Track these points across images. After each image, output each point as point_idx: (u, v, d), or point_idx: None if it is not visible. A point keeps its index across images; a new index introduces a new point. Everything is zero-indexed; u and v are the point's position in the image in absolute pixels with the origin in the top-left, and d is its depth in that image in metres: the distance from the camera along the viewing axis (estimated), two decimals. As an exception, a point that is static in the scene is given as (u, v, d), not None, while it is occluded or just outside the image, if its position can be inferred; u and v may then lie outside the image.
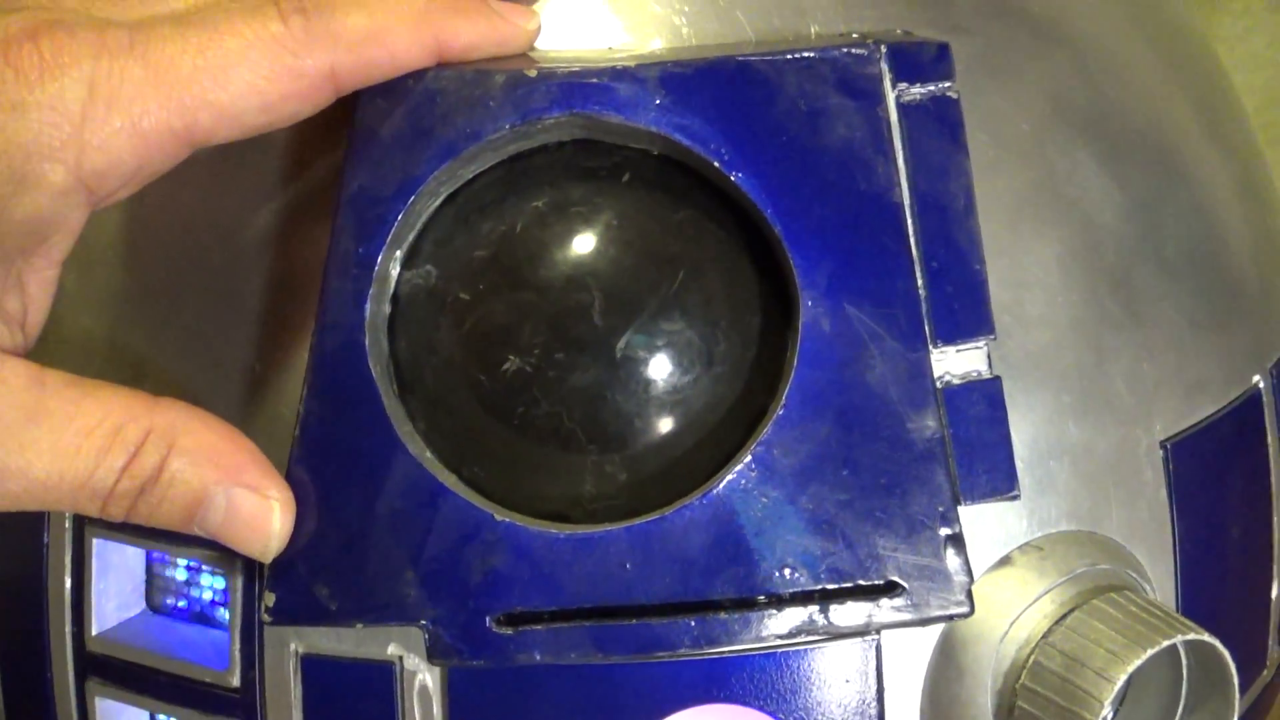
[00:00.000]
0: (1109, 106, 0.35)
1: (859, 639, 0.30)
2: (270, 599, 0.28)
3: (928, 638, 0.31)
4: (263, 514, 0.26)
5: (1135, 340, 0.33)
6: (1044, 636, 0.30)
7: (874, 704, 0.31)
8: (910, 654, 0.31)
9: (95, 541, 0.32)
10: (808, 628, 0.27)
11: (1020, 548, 0.32)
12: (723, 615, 0.27)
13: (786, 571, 0.27)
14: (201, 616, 0.33)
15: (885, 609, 0.28)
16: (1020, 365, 0.32)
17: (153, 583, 0.34)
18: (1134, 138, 0.35)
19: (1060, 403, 0.32)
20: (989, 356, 0.30)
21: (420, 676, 0.30)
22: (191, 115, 0.25)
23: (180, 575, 0.33)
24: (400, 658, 0.30)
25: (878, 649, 0.30)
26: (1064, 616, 0.31)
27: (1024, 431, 0.31)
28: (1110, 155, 0.34)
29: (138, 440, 0.25)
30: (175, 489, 0.25)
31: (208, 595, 0.33)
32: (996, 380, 0.30)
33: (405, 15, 0.26)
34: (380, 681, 0.30)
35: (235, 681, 0.31)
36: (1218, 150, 0.39)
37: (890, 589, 0.28)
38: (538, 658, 0.27)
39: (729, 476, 0.27)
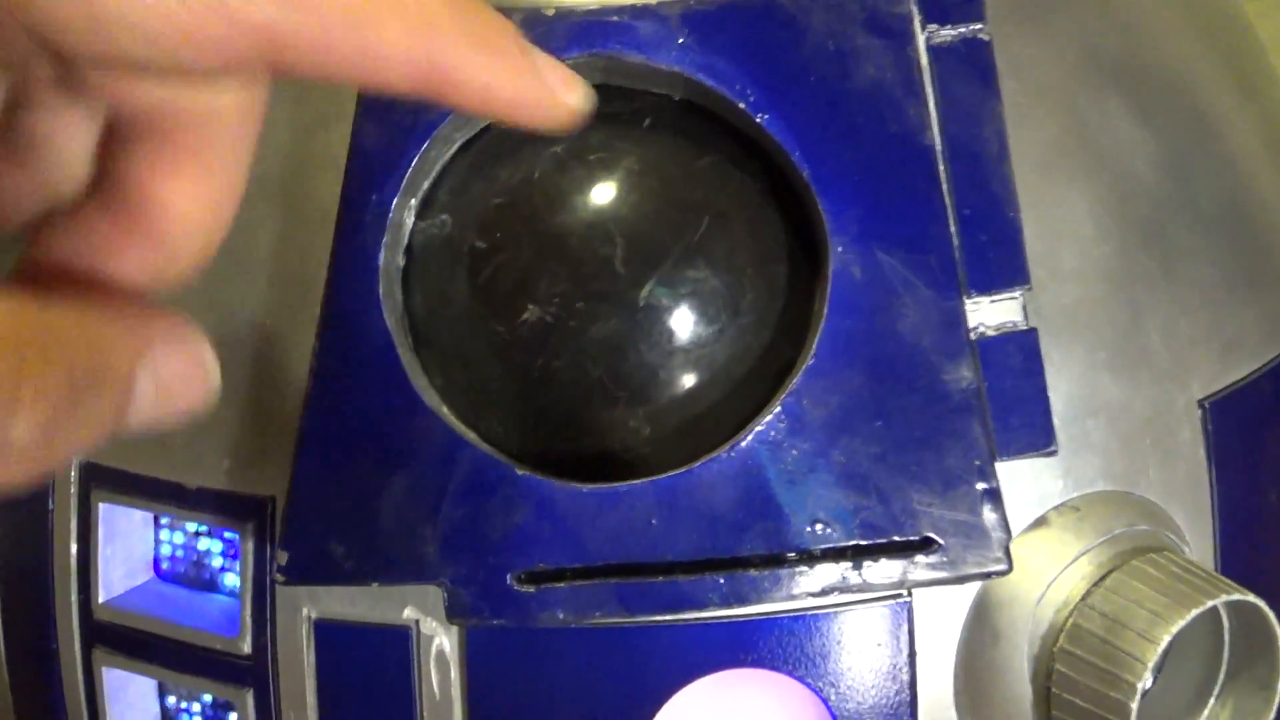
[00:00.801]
0: (1140, 57, 0.34)
1: (890, 601, 0.29)
2: (283, 557, 0.27)
3: (961, 600, 0.30)
4: (196, 363, 0.20)
5: (1170, 296, 0.32)
6: (1082, 598, 0.29)
7: (906, 668, 0.30)
8: (943, 617, 0.30)
9: (102, 506, 0.31)
10: (840, 585, 0.27)
11: (1056, 508, 0.30)
12: (752, 572, 0.26)
13: (818, 527, 0.27)
14: (211, 584, 0.32)
15: (920, 566, 0.27)
16: (1053, 319, 0.30)
17: (161, 549, 0.33)
18: (1166, 90, 0.34)
19: (1095, 359, 0.31)
20: (1024, 307, 0.29)
21: (438, 640, 0.29)
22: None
23: (188, 540, 0.32)
24: (417, 621, 0.29)
25: (909, 611, 0.29)
26: (1103, 578, 0.30)
27: (1059, 388, 0.30)
28: (1142, 106, 0.33)
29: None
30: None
31: (217, 561, 0.32)
32: (1033, 332, 0.29)
33: (406, 14, 0.19)
34: (396, 646, 0.29)
35: (246, 648, 0.30)
36: (1250, 108, 0.38)
37: (925, 545, 0.27)
38: (561, 617, 0.26)
39: (757, 429, 0.26)
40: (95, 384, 0.18)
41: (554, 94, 0.21)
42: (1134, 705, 0.28)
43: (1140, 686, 0.28)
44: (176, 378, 0.20)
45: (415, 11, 0.19)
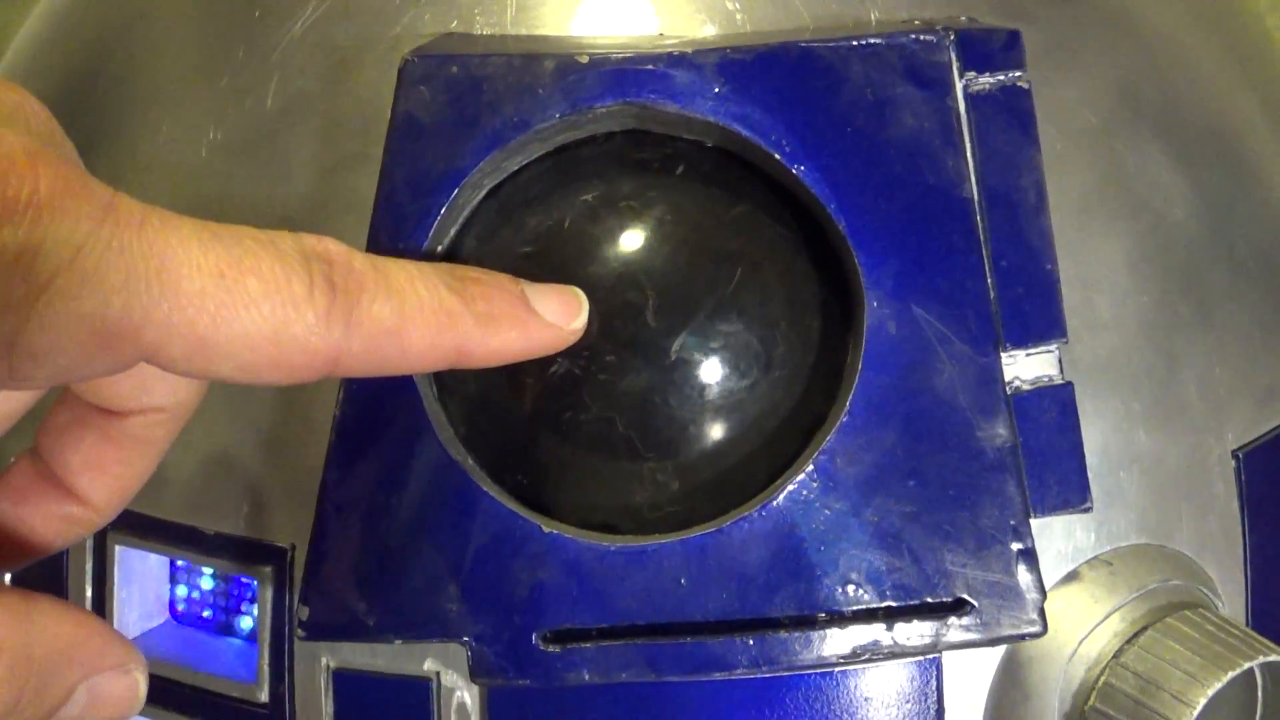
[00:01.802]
0: (1178, 101, 0.33)
1: (919, 659, 0.29)
2: (304, 613, 0.26)
3: (991, 657, 0.29)
4: (126, 689, 0.23)
5: (1206, 344, 0.32)
6: (1115, 656, 0.29)
7: (934, 725, 0.29)
8: (972, 674, 0.29)
9: (118, 549, 0.31)
10: (872, 648, 0.26)
11: (1088, 562, 0.30)
12: (782, 634, 0.26)
13: (850, 588, 0.26)
14: (227, 628, 0.32)
15: (953, 628, 0.26)
16: (1088, 370, 0.30)
17: (176, 593, 0.32)
18: (1204, 134, 0.34)
19: (1130, 410, 0.30)
20: (1060, 361, 0.28)
21: (458, 694, 0.28)
22: (167, 335, 0.20)
23: (206, 584, 0.32)
24: (437, 674, 0.28)
25: (938, 668, 0.29)
26: (1136, 635, 0.29)
27: (1092, 440, 0.30)
28: (1180, 151, 0.33)
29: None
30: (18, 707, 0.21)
31: (235, 607, 0.32)
32: (1068, 386, 0.28)
33: (430, 319, 0.23)
34: (417, 698, 0.29)
35: (264, 696, 0.30)
36: (1285, 147, 0.38)
37: (959, 607, 0.26)
38: (586, 677, 0.26)
39: (789, 487, 0.26)
40: (42, 692, 0.21)
41: (558, 330, 0.25)
42: (1169, 768, 0.27)
43: (1175, 750, 0.27)
44: (111, 698, 0.23)
45: (434, 315, 0.23)
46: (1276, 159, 0.36)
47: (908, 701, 0.29)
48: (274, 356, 0.21)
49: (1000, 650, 0.29)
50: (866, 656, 0.26)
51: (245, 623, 0.32)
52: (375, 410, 0.27)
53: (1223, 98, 0.35)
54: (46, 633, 0.21)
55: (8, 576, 0.33)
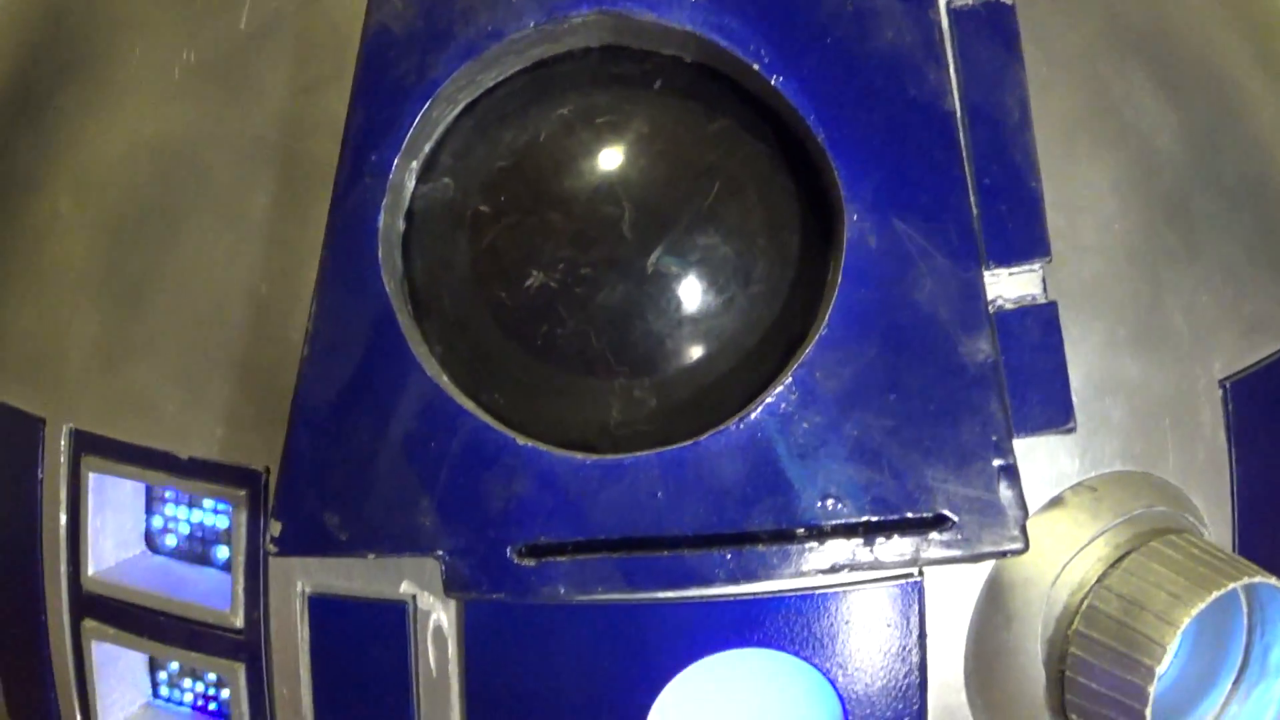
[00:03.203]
0: (1165, 28, 0.33)
1: (901, 581, 0.28)
2: (276, 528, 0.26)
3: (973, 581, 0.29)
4: None
5: (1193, 273, 0.32)
6: (1098, 580, 0.29)
7: (916, 650, 0.29)
8: (955, 598, 0.29)
9: (92, 476, 0.31)
10: (851, 562, 0.26)
11: (1072, 488, 0.30)
12: (760, 548, 0.25)
13: (829, 502, 0.26)
14: (204, 557, 0.32)
15: (934, 544, 0.26)
16: (1073, 294, 0.30)
17: (152, 520, 0.32)
18: (1190, 62, 0.33)
19: (1115, 336, 0.30)
20: (1044, 280, 0.28)
21: (435, 616, 0.28)
22: None
23: (181, 512, 0.32)
24: (413, 596, 0.28)
25: (920, 592, 0.29)
26: (1119, 559, 0.29)
27: (1077, 365, 0.29)
28: (1166, 78, 0.32)
29: None
30: None
31: (210, 533, 0.31)
32: (1052, 305, 0.28)
33: None
34: (392, 621, 0.28)
35: (239, 622, 0.29)
36: (1276, 84, 0.37)
37: (939, 522, 0.26)
38: (562, 591, 0.25)
39: (768, 400, 0.26)
40: None
41: None
42: (1151, 690, 0.27)
43: (1158, 671, 0.27)
44: None
45: None
46: (1264, 90, 0.35)
47: (889, 625, 0.29)
48: None
49: (983, 574, 0.29)
50: (846, 571, 0.26)
51: (221, 552, 0.31)
52: (349, 327, 0.26)
53: (1209, 29, 0.35)
54: None
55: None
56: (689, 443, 0.25)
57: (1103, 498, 0.30)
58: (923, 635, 0.29)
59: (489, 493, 0.25)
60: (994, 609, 0.29)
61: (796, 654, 0.28)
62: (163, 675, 0.33)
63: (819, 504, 0.26)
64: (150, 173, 0.30)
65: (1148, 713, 0.27)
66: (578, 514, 0.25)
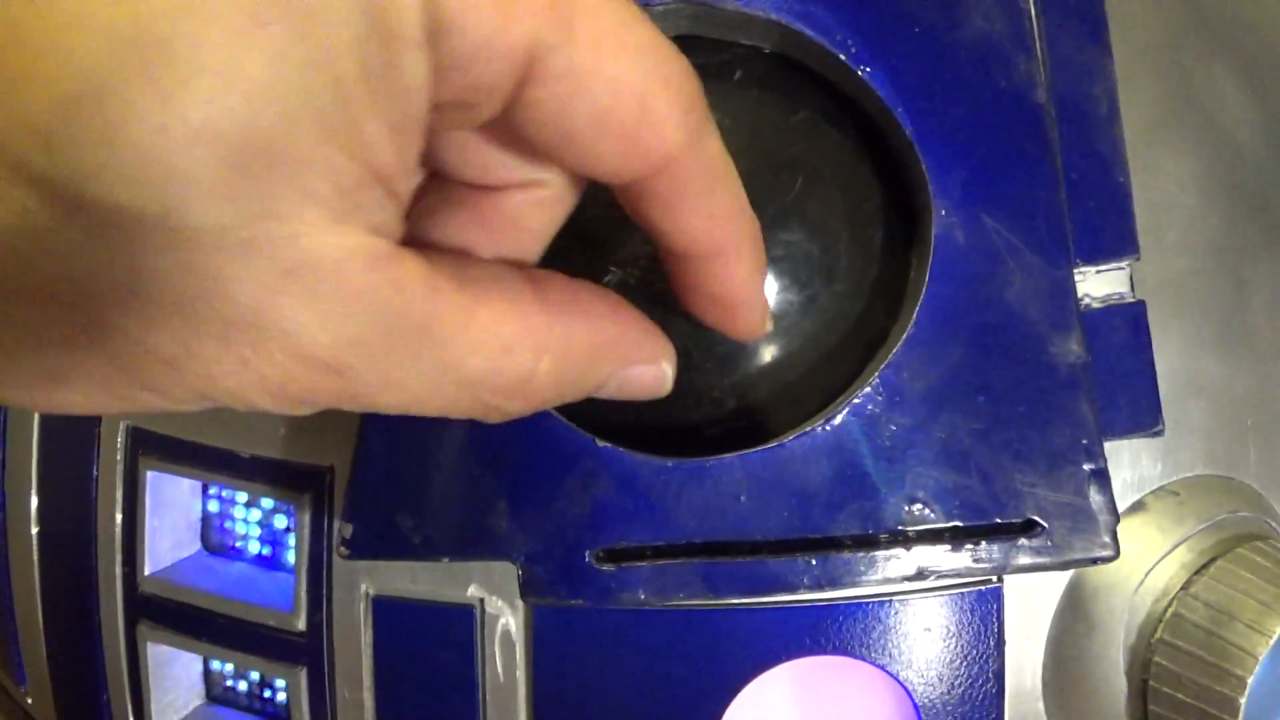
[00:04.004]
0: (1246, 20, 0.32)
1: (980, 587, 0.28)
2: (347, 530, 0.25)
3: (1053, 588, 0.28)
4: (654, 378, 0.23)
5: (1276, 270, 0.31)
6: (1183, 588, 0.28)
7: (994, 658, 0.28)
8: (1034, 605, 0.28)
9: (149, 475, 0.30)
10: (938, 569, 0.25)
11: (1154, 492, 0.29)
12: (845, 554, 0.25)
13: (916, 507, 0.25)
14: (262, 558, 0.31)
15: (1023, 550, 0.25)
16: (1156, 293, 0.29)
17: (209, 520, 0.31)
18: (1270, 55, 0.33)
19: (1199, 335, 0.29)
20: (1131, 279, 0.27)
21: (503, 620, 0.27)
22: None
23: (239, 512, 0.31)
24: (481, 600, 0.27)
25: (999, 598, 0.28)
26: (1205, 566, 0.28)
27: (1160, 366, 0.28)
28: (1247, 71, 0.32)
29: (528, 363, 0.21)
30: (561, 391, 0.22)
31: (269, 534, 0.31)
32: (1140, 304, 0.27)
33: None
34: (459, 625, 0.28)
35: (301, 625, 0.29)
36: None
37: (1028, 528, 0.25)
38: (642, 597, 0.25)
39: (854, 401, 0.25)
40: (578, 383, 0.22)
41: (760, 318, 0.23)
42: (1243, 700, 0.26)
43: (1250, 681, 0.26)
44: (639, 384, 0.23)
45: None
46: (1344, 85, 0.35)
47: (967, 632, 0.28)
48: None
49: (1063, 581, 0.28)
50: (933, 577, 0.25)
51: (283, 553, 0.31)
52: (420, 323, 0.26)
53: (1288, 21, 0.34)
54: (587, 331, 0.22)
55: (33, 501, 0.32)
56: (773, 444, 0.25)
57: (1185, 502, 0.29)
58: (1000, 643, 0.28)
59: (567, 496, 0.25)
60: (1075, 616, 0.29)
61: (872, 661, 0.28)
62: (216, 677, 0.32)
63: (906, 508, 0.25)
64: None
65: (1238, 724, 0.27)
66: (658, 517, 0.25)
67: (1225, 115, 0.31)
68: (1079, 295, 0.26)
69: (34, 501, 0.32)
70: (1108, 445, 0.27)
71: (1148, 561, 0.28)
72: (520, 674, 0.28)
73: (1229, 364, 0.30)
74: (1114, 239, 0.27)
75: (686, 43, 0.27)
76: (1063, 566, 0.25)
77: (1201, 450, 0.30)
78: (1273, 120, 0.32)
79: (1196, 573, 0.28)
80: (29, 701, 0.35)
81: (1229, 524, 0.29)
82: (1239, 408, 0.30)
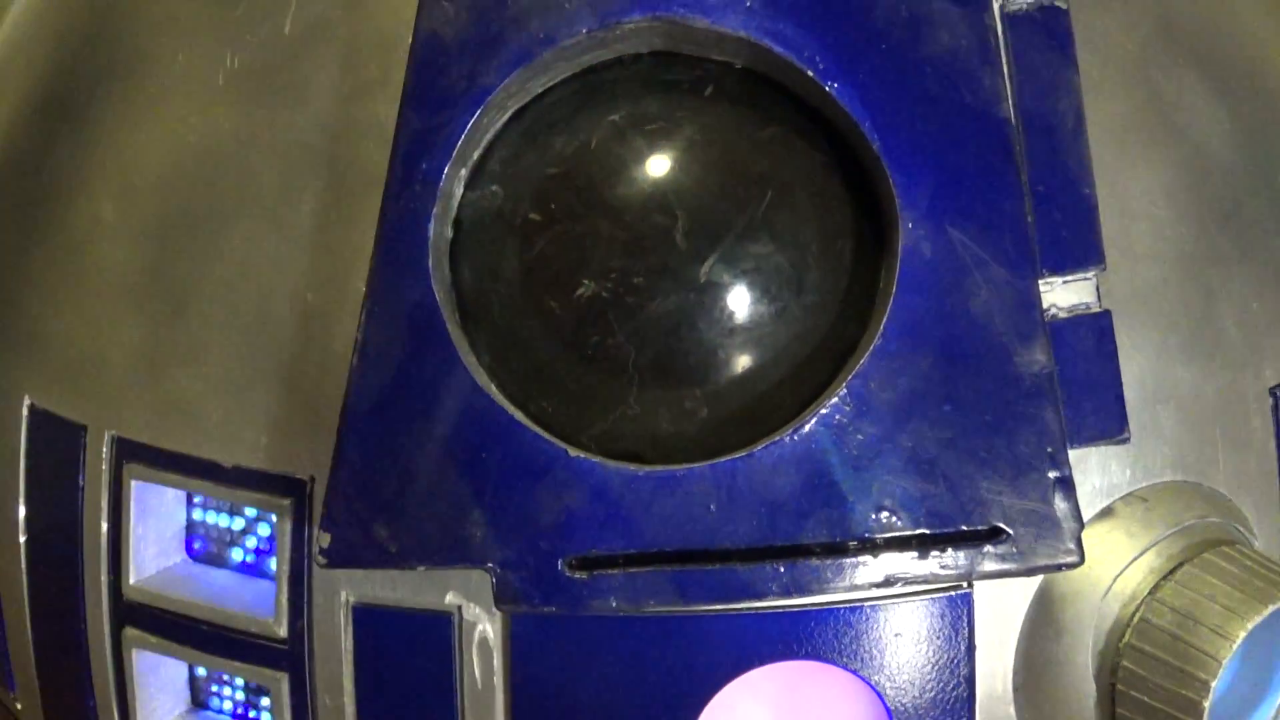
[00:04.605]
0: (1216, 31, 0.33)
1: (950, 592, 0.28)
2: (324, 539, 0.26)
3: (1023, 594, 0.29)
4: None
5: (1245, 279, 0.31)
6: (1151, 592, 0.28)
7: (964, 662, 0.28)
8: (1004, 610, 0.29)
9: (134, 484, 0.31)
10: (905, 575, 0.25)
11: (1123, 498, 0.29)
12: (814, 561, 0.25)
13: (883, 515, 0.25)
14: (245, 565, 0.31)
15: (989, 557, 0.26)
16: (1125, 302, 0.29)
17: (193, 529, 0.32)
18: (1241, 66, 0.33)
19: (1167, 343, 0.30)
20: (1098, 289, 0.28)
21: (480, 627, 0.28)
22: None
23: (223, 521, 0.31)
24: (459, 607, 0.28)
25: (969, 604, 0.28)
26: (1171, 571, 0.28)
27: (1128, 373, 0.29)
28: (1217, 82, 0.32)
29: None
30: None
31: (252, 542, 0.31)
32: (1106, 314, 0.27)
33: None
34: (438, 632, 0.28)
35: (282, 632, 0.29)
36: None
37: (994, 535, 0.26)
38: (614, 605, 0.25)
39: (821, 411, 0.25)
40: None
41: None
42: (1207, 704, 0.27)
43: (1213, 685, 0.27)
44: None
45: None
46: (1314, 94, 0.35)
47: (938, 637, 0.28)
48: None
49: (1032, 586, 0.29)
50: (900, 585, 0.25)
51: (264, 561, 0.31)
52: (399, 336, 0.26)
53: (1260, 34, 0.34)
54: None
55: (21, 510, 0.32)
56: (742, 454, 0.25)
57: (1154, 508, 0.30)
58: (971, 647, 0.28)
59: (540, 504, 0.25)
60: (1044, 621, 0.29)
61: (844, 666, 0.28)
62: (201, 683, 0.33)
63: (873, 516, 0.25)
64: (194, 178, 0.30)
65: (1203, 727, 0.27)
66: (630, 526, 0.25)
67: (1195, 124, 0.31)
68: (1046, 306, 0.27)
69: (22, 511, 0.32)
70: (1076, 452, 0.27)
71: (1115, 567, 0.29)
72: (498, 680, 0.28)
73: (1198, 371, 0.30)
74: (1080, 250, 0.27)
75: (659, 58, 0.27)
76: (1028, 573, 0.26)
77: (1170, 456, 0.30)
78: (1242, 129, 0.32)
79: (1164, 578, 0.28)
80: (18, 707, 0.35)
81: (1197, 529, 0.29)
82: (1208, 414, 0.30)
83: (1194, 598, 0.28)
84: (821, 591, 0.25)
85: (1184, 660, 0.27)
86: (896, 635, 0.28)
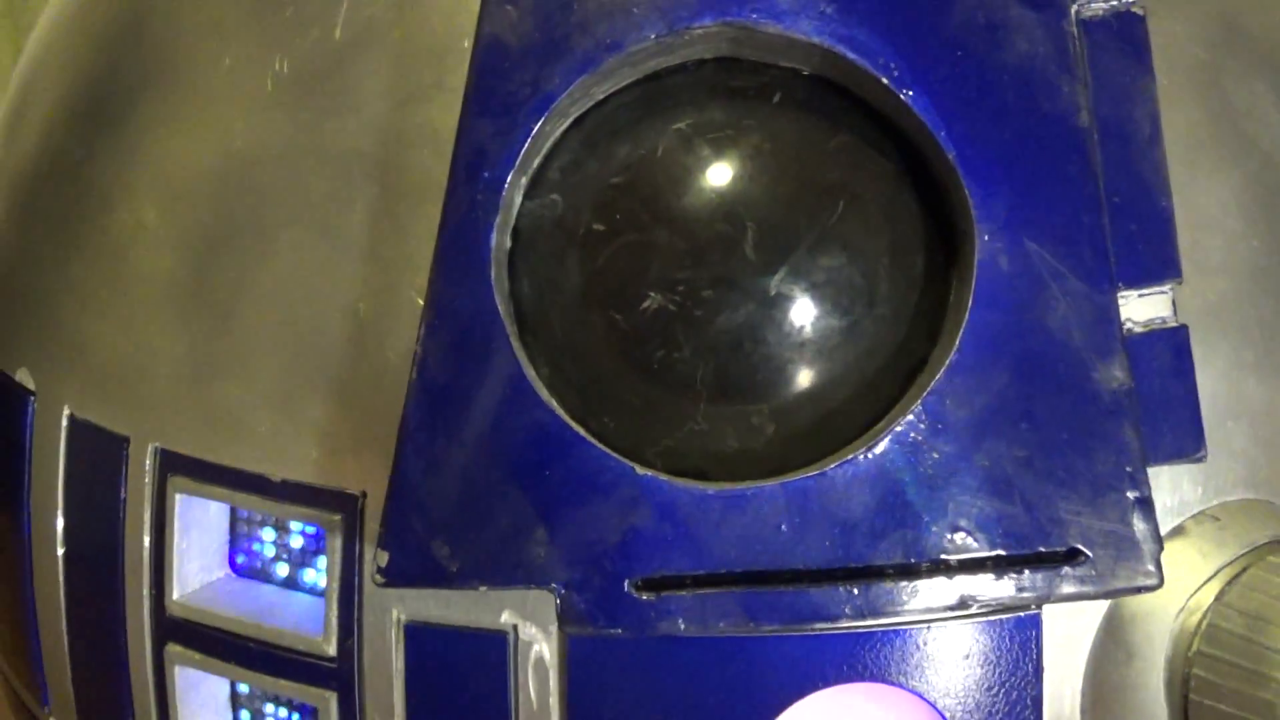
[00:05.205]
0: (1284, 37, 0.32)
1: (1018, 614, 0.27)
2: (382, 558, 0.25)
3: (1091, 614, 0.28)
4: None
5: (1316, 292, 0.31)
6: (1216, 598, 0.27)
7: (1032, 685, 0.28)
8: (1072, 633, 0.28)
9: (178, 497, 0.30)
10: (981, 598, 0.25)
11: (1194, 517, 0.29)
12: (887, 583, 0.24)
13: (959, 536, 0.25)
14: (291, 581, 0.31)
15: (1067, 579, 0.25)
16: (1196, 316, 0.28)
17: (238, 543, 0.31)
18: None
19: (1240, 358, 0.29)
20: (1174, 303, 0.27)
21: (536, 647, 0.27)
22: None
23: (269, 534, 0.31)
24: (515, 626, 0.27)
25: (1037, 626, 0.28)
26: (1237, 576, 0.28)
27: (1202, 389, 0.28)
28: (1287, 90, 0.31)
29: None
30: None
31: (300, 558, 0.30)
32: (1183, 328, 0.27)
33: None
34: (492, 652, 0.27)
35: (331, 650, 0.28)
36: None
37: (1072, 557, 0.25)
38: (682, 626, 0.24)
39: (896, 428, 0.25)
40: None
41: None
42: (1286, 708, 0.26)
43: (1291, 687, 0.26)
44: None
45: None
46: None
47: (1006, 660, 0.28)
48: None
49: (1102, 607, 0.28)
50: (976, 607, 0.25)
51: (309, 575, 0.31)
52: (459, 349, 0.25)
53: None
54: None
55: (59, 522, 0.32)
56: (814, 472, 0.24)
57: (1226, 527, 0.29)
58: (1039, 670, 0.28)
59: (606, 524, 0.24)
60: (1114, 644, 0.28)
61: (909, 688, 0.27)
62: (243, 700, 0.32)
63: (949, 537, 0.25)
64: (241, 185, 0.30)
65: (1283, 733, 0.26)
66: (698, 546, 0.24)
67: (1267, 136, 0.31)
68: (1121, 320, 0.26)
69: (60, 523, 0.32)
70: (1152, 468, 0.27)
71: (1189, 588, 0.28)
72: (554, 701, 0.27)
73: (1271, 387, 0.30)
74: (1156, 262, 0.26)
75: (724, 64, 0.27)
76: (1107, 595, 0.25)
77: (1243, 474, 0.29)
78: (1312, 140, 0.31)
79: (1229, 583, 0.28)
80: (53, 723, 0.35)
81: (1269, 550, 0.29)
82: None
83: (1263, 599, 0.27)
84: (895, 614, 0.24)
85: (1257, 662, 0.26)
86: (964, 657, 0.27)
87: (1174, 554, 0.28)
